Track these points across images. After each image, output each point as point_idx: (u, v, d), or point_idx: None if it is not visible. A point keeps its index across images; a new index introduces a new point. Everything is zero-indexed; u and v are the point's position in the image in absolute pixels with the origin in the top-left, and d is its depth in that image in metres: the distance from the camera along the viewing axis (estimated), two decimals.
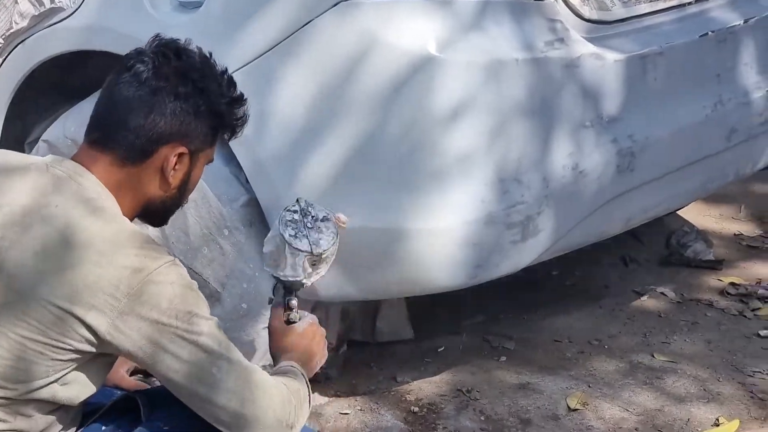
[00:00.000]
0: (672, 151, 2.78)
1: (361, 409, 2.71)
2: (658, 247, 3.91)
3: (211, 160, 2.06)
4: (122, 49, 2.34)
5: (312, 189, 2.31)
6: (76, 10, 2.61)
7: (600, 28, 2.60)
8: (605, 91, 2.54)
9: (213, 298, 2.53)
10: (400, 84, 2.25)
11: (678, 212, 4.00)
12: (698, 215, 4.18)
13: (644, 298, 3.50)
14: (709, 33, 2.80)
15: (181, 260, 2.38)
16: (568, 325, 3.27)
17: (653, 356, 3.15)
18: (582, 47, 2.48)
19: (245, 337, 2.54)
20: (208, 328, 1.75)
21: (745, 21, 2.93)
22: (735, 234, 4.09)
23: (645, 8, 2.77)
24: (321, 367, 2.51)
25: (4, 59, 2.81)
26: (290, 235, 2.05)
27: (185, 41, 1.93)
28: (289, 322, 2.10)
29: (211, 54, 1.90)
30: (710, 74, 2.86)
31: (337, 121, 2.32)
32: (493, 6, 2.40)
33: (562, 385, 2.85)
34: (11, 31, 2.70)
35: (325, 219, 2.12)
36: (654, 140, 2.67)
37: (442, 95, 2.26)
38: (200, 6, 2.41)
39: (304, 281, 2.07)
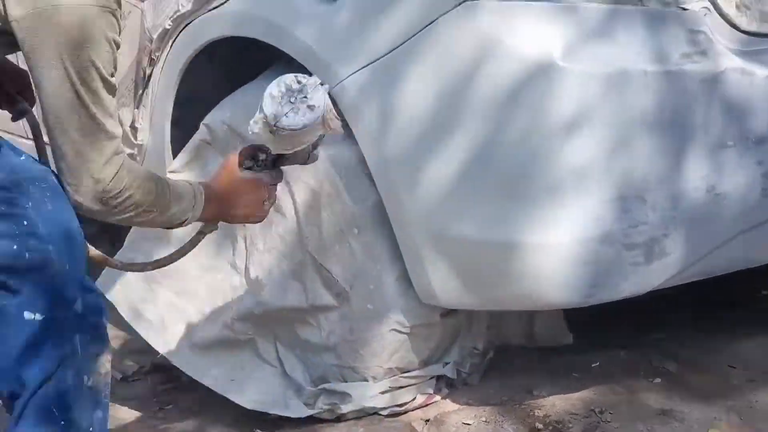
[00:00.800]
0: None
1: (485, 421, 2.80)
2: None
3: None
4: (267, 37, 2.69)
5: (430, 194, 2.49)
6: None
7: (761, 41, 2.58)
8: (753, 110, 2.52)
9: (341, 297, 2.75)
10: (519, 91, 2.36)
11: None
12: None
13: None
14: None
15: (314, 257, 2.73)
16: (750, 351, 3.18)
17: None
18: (727, 61, 2.47)
19: (370, 337, 2.73)
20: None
21: None
22: None
23: None
24: (462, 373, 2.81)
25: (173, 41, 3.08)
26: (268, 93, 2.23)
27: None
28: (241, 165, 2.31)
29: None
30: None
31: (455, 126, 2.46)
32: (624, 13, 2.45)
33: (710, 415, 2.80)
34: (178, 13, 2.98)
35: (311, 108, 2.22)
36: None
37: (561, 105, 2.35)
38: None
39: (262, 144, 2.27)
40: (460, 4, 2.38)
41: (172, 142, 3.19)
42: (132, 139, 3.31)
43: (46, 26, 1.92)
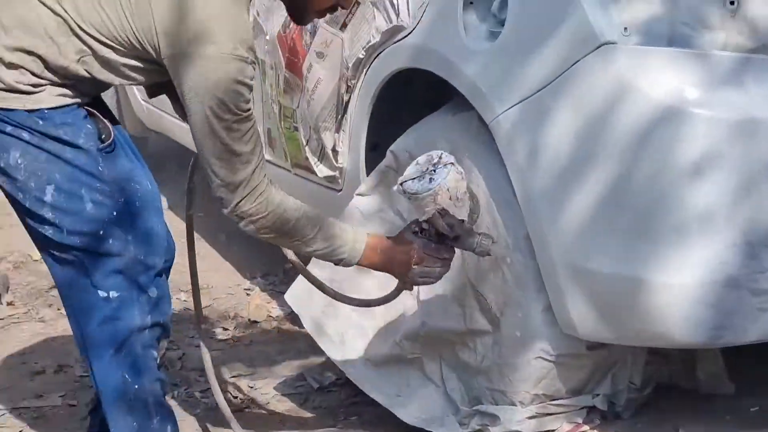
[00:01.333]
0: None
1: None
2: None
3: None
4: (439, 70, 3.01)
5: (570, 227, 2.72)
6: (413, 29, 3.15)
7: None
8: None
9: (493, 323, 3.01)
10: (650, 133, 2.56)
11: None
12: None
13: None
14: None
15: (473, 283, 3.04)
16: None
17: None
18: None
19: (518, 363, 2.95)
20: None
21: None
22: None
23: None
24: (616, 406, 3.02)
25: (366, 70, 3.42)
26: (416, 159, 2.82)
27: None
28: (412, 233, 2.83)
29: None
30: None
31: (593, 164, 2.67)
32: (756, 62, 2.61)
33: None
34: (370, 44, 3.31)
35: (431, 180, 2.73)
36: None
37: (688, 149, 2.53)
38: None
39: (419, 216, 2.80)
40: (599, 47, 2.58)
41: (371, 165, 3.52)
42: (333, 161, 3.65)
43: (188, 69, 2.40)
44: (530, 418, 3.04)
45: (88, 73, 2.52)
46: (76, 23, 2.46)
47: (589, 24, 2.60)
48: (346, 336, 3.47)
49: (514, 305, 3.00)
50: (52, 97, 2.51)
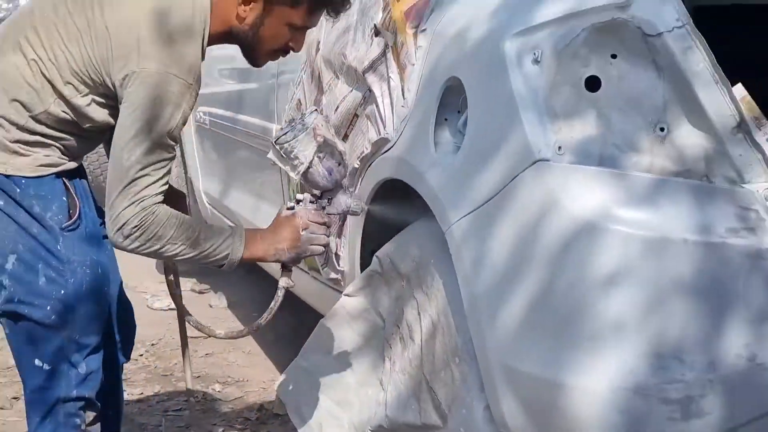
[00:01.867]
0: None
1: None
2: None
3: (299, 27, 2.99)
4: (411, 180, 3.25)
5: (504, 332, 2.86)
6: (396, 142, 3.36)
7: None
8: None
9: (443, 419, 3.17)
10: (570, 246, 2.71)
11: None
12: None
13: None
14: None
15: (428, 380, 3.21)
16: None
17: None
18: None
19: None
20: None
21: None
22: None
23: None
24: None
25: (361, 179, 3.63)
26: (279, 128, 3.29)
27: None
28: (287, 209, 3.14)
29: None
30: None
31: (524, 274, 2.81)
32: (672, 185, 2.74)
33: None
34: (363, 154, 3.51)
35: (303, 123, 3.05)
36: None
37: (604, 263, 2.67)
38: None
39: (288, 170, 3.14)
40: (534, 163, 2.76)
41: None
42: (336, 265, 3.87)
43: (133, 85, 2.76)
44: None
45: (67, 114, 2.82)
46: (46, 66, 2.77)
47: (528, 141, 2.78)
48: (324, 426, 3.62)
49: (460, 402, 3.14)
50: (34, 167, 2.78)
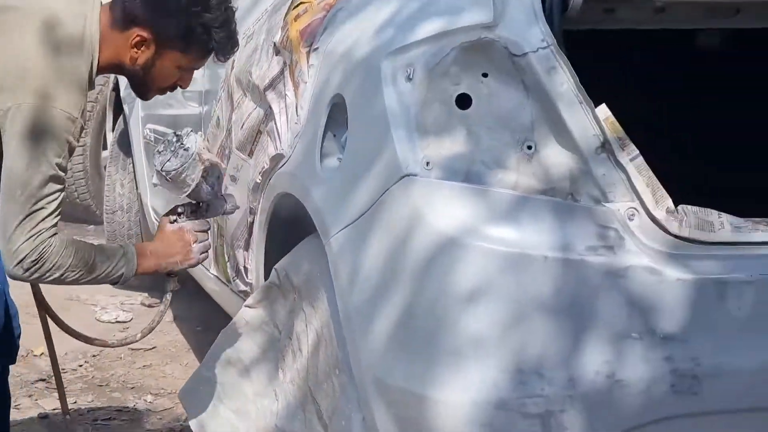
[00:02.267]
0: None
1: None
2: None
3: (188, 69, 3.18)
4: (299, 194, 3.34)
5: (375, 345, 2.93)
6: (289, 157, 3.46)
7: (692, 247, 2.82)
8: (661, 308, 2.75)
9: (324, 429, 3.25)
10: (433, 261, 2.77)
11: None
12: None
13: None
14: None
15: (312, 390, 3.26)
16: None
17: None
18: (634, 259, 2.74)
19: None
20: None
21: None
22: None
23: (762, 236, 2.90)
24: None
25: (263, 194, 3.71)
26: (156, 151, 3.21)
27: None
28: (170, 222, 3.25)
29: None
30: None
31: (392, 288, 2.87)
32: (535, 202, 2.80)
33: None
34: (264, 169, 3.61)
35: (187, 149, 3.12)
36: (730, 371, 2.82)
37: (464, 278, 2.73)
38: None
39: (175, 193, 3.29)
40: (401, 178, 2.82)
41: None
42: (244, 277, 3.97)
43: (17, 119, 2.86)
44: None
45: None
46: None
47: (397, 157, 2.85)
48: None
49: (340, 414, 3.21)
50: None
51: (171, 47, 3.10)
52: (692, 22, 3.59)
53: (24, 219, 2.90)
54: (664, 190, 2.88)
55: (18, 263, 2.93)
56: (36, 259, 2.92)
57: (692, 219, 2.87)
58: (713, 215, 2.90)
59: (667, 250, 2.82)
